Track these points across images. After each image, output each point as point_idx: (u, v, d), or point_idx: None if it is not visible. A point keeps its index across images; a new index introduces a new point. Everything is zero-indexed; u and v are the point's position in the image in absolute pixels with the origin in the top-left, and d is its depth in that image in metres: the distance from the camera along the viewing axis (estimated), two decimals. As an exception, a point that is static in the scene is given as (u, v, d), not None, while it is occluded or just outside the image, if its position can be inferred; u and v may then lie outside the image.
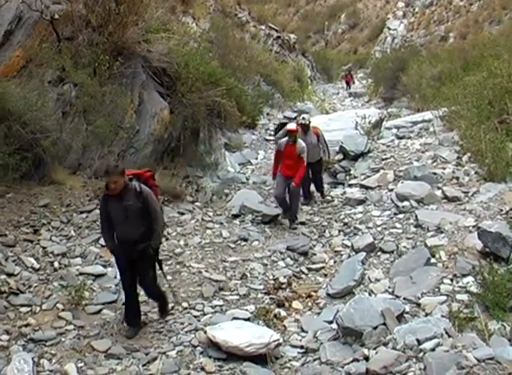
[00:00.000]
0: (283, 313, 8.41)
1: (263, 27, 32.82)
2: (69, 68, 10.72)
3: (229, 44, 21.56)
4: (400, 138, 15.77)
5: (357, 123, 16.56)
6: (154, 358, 7.00)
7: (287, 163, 11.82)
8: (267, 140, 18.55)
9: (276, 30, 34.64)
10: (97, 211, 9.98)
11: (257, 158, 16.68)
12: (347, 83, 39.14)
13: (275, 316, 8.24)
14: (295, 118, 23.91)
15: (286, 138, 11.85)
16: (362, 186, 12.87)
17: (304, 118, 13.15)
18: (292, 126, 12.10)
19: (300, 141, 11.86)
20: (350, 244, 10.31)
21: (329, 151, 13.60)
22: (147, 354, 7.11)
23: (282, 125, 13.93)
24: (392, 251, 9.40)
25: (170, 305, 8.23)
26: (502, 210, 9.36)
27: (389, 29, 54.89)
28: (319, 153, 13.05)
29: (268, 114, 22.71)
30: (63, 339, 7.16)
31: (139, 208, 7.21)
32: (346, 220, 11.47)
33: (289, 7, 79.48)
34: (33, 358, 6.57)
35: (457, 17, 45.76)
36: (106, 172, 7.24)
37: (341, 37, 70.08)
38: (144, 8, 12.80)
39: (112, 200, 7.26)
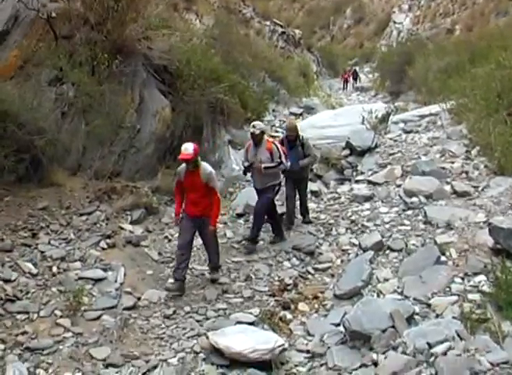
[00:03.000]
0: (289, 316, 8.11)
1: (268, 23, 32.77)
2: (65, 67, 10.46)
3: (232, 41, 21.33)
4: (408, 132, 15.48)
5: (363, 117, 16.26)
6: (155, 366, 6.75)
7: (191, 198, 8.66)
8: (273, 136, 18.27)
9: (281, 26, 34.61)
10: (98, 213, 9.84)
11: (263, 155, 16.40)
12: (346, 82, 38.28)
13: (280, 319, 7.95)
14: (301, 114, 23.81)
15: (184, 164, 8.61)
16: (369, 182, 12.54)
17: (254, 126, 10.00)
18: (187, 150, 8.30)
19: (204, 165, 8.64)
20: (357, 242, 10.01)
21: (286, 165, 10.24)
22: (147, 361, 6.86)
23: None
24: (401, 250, 9.09)
25: (172, 310, 8.01)
26: (513, 204, 9.11)
27: (395, 23, 54.68)
28: (273, 177, 10.19)
29: (273, 110, 22.55)
30: (61, 347, 6.92)
31: None
32: (353, 218, 11.14)
33: (294, 2, 79.58)
34: (28, 369, 6.37)
35: (463, 9, 45.41)
36: None
37: (347, 32, 70.08)
38: (144, 5, 12.57)
39: None
